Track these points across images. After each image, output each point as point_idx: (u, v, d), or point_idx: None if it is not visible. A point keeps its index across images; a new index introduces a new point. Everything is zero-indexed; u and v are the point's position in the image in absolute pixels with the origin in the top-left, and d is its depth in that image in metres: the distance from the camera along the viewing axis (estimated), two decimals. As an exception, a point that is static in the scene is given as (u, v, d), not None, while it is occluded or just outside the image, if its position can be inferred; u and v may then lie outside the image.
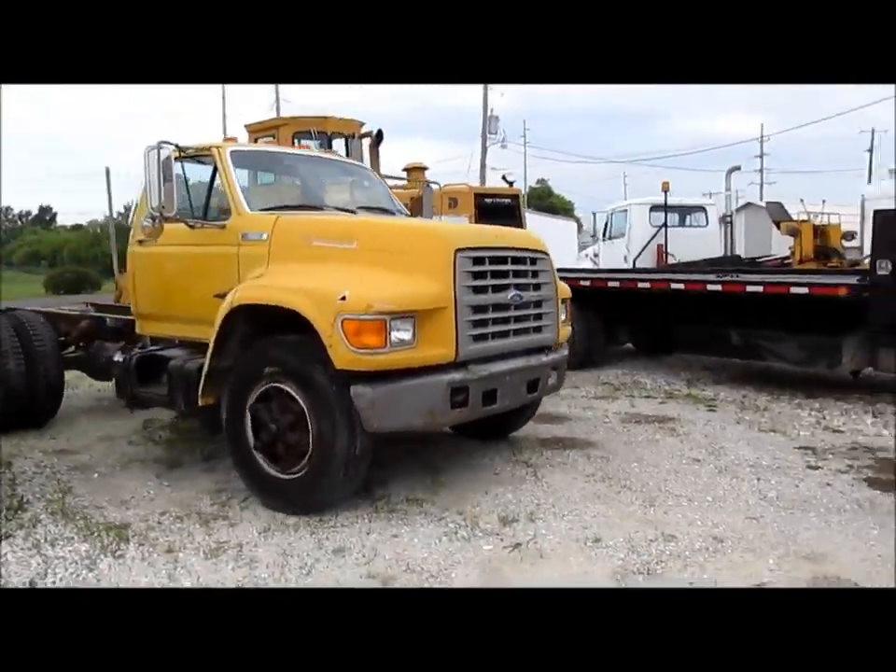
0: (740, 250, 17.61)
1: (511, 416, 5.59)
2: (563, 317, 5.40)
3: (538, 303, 5.01)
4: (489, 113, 34.15)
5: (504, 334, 4.70)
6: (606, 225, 15.37)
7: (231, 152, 5.27)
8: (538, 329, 5.03)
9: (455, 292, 4.28)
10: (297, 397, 4.33)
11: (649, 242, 13.68)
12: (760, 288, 7.51)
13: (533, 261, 4.98)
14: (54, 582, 3.55)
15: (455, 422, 4.57)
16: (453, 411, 4.32)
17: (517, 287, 4.75)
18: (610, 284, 9.12)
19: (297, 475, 4.38)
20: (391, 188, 9.08)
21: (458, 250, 4.38)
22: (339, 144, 9.98)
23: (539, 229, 7.39)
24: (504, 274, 4.68)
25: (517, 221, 8.43)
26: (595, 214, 16.22)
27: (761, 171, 49.87)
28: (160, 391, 5.26)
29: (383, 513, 4.42)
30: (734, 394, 7.90)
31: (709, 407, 7.33)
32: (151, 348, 5.64)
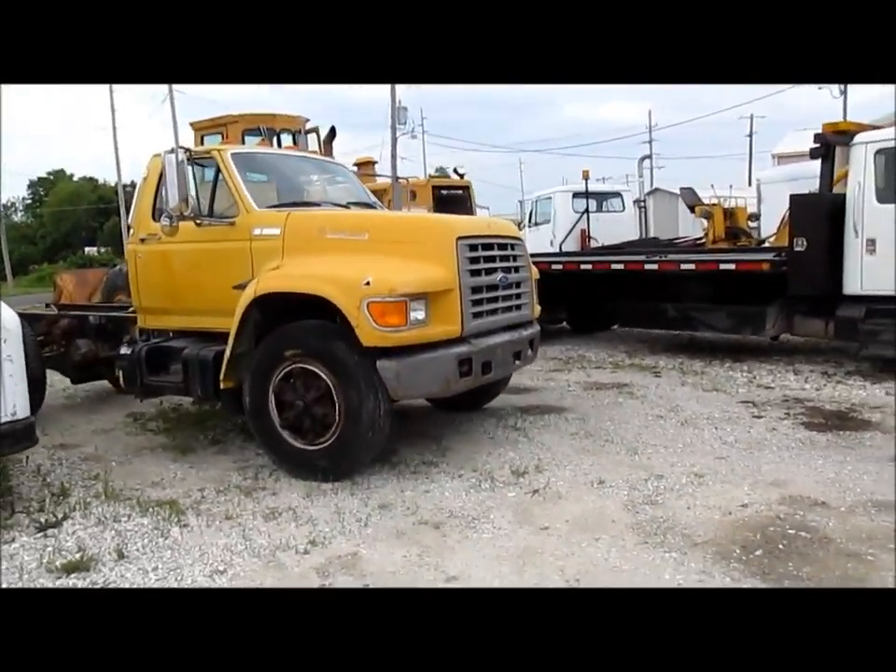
0: (651, 232, 18.88)
1: (489, 388, 6.17)
2: (535, 296, 6.05)
3: (518, 284, 5.62)
4: (397, 104, 34.69)
5: (494, 312, 5.30)
6: (531, 212, 16.17)
7: (232, 154, 5.63)
8: (518, 307, 5.66)
9: (458, 275, 4.84)
10: (322, 374, 4.77)
11: (573, 227, 14.55)
12: (692, 266, 8.44)
13: (513, 247, 5.62)
14: (138, 550, 3.91)
15: (463, 389, 5.08)
16: (461, 379, 4.86)
17: (503, 270, 5.35)
18: (554, 266, 9.87)
19: (323, 445, 4.84)
20: (396, 178, 9.49)
21: (459, 238, 4.92)
22: (286, 139, 10.27)
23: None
24: (492, 259, 5.27)
25: (469, 210, 9.03)
26: (521, 202, 17.01)
27: (650, 157, 52.50)
28: (173, 379, 5.61)
29: (407, 475, 4.96)
30: (672, 362, 8.81)
31: (655, 373, 8.19)
32: (156, 340, 5.90)
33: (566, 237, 14.50)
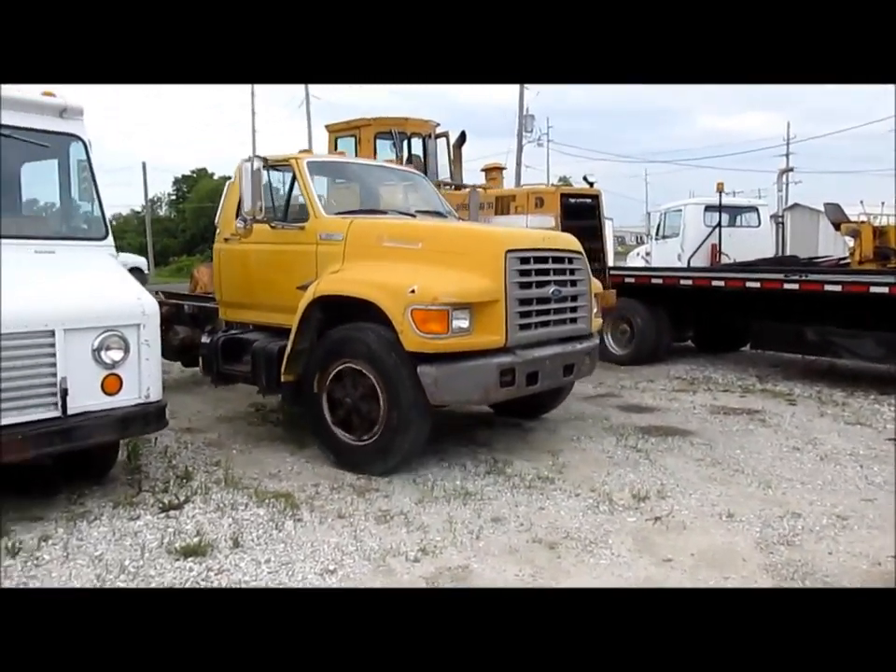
0: (788, 250, 17.81)
1: (546, 398, 6.28)
2: (595, 310, 5.99)
3: (573, 297, 5.60)
4: (524, 111, 34.59)
5: (545, 324, 5.33)
6: (658, 224, 15.63)
7: (308, 162, 5.93)
8: (573, 321, 5.64)
9: (505, 287, 4.91)
10: (369, 375, 4.98)
11: (703, 241, 13.94)
12: (838, 288, 7.80)
13: (570, 261, 5.59)
14: (252, 540, 3.96)
15: (504, 398, 5.24)
16: (502, 389, 4.93)
17: (557, 283, 5.37)
18: (683, 282, 9.44)
19: (369, 441, 5.05)
20: (473, 187, 9.44)
21: (508, 251, 4.99)
22: (416, 144, 10.33)
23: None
24: (546, 272, 5.31)
25: (597, 220, 8.75)
26: (648, 213, 16.44)
27: (790, 170, 49.76)
28: (243, 369, 5.94)
29: (522, 489, 4.79)
30: (808, 389, 8.19)
31: (789, 401, 7.63)
32: (233, 332, 6.27)
33: (694, 252, 13.92)
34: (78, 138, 5.21)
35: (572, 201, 8.48)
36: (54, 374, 4.17)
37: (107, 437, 4.42)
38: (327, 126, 10.64)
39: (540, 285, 5.22)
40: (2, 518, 4.18)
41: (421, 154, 10.33)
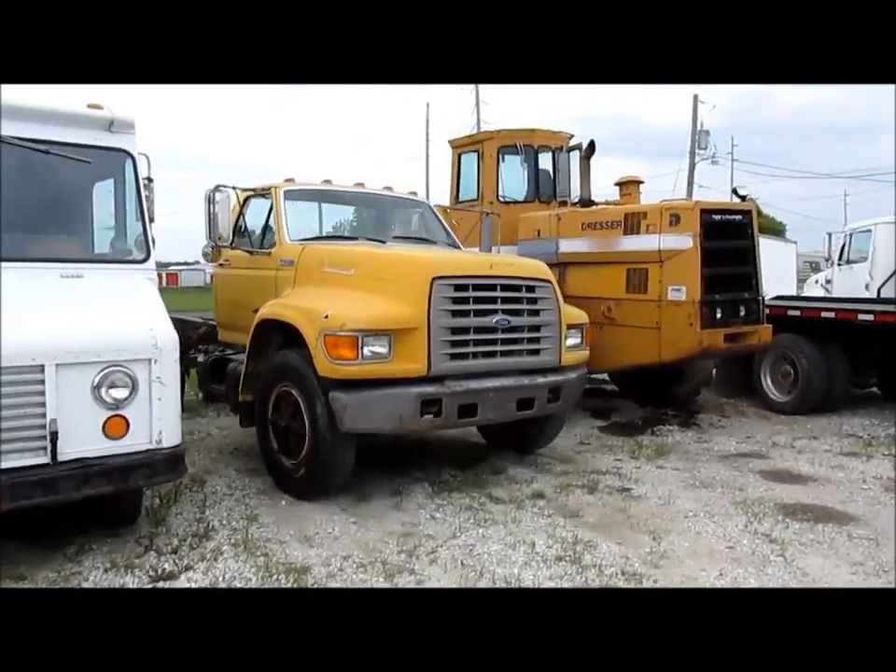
0: None
1: (530, 432, 6.03)
2: (575, 342, 5.64)
3: (534, 328, 5.27)
4: (699, 127, 32.32)
5: (490, 354, 5.05)
6: (843, 248, 13.49)
7: (286, 191, 6.14)
8: (534, 352, 5.29)
9: (428, 315, 4.72)
10: (298, 399, 4.96)
11: (899, 267, 11.76)
12: None
13: (530, 289, 5.28)
14: (225, 636, 3.18)
15: (427, 430, 5.41)
16: (423, 419, 4.76)
17: (507, 312, 5.07)
18: (861, 316, 7.72)
19: (299, 465, 5.03)
20: (485, 212, 7.87)
21: (436, 278, 4.81)
22: (544, 157, 9.36)
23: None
24: (493, 300, 5.05)
25: (749, 241, 7.31)
26: (829, 234, 14.27)
27: None
28: (222, 388, 6.11)
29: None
30: None
31: None
32: (228, 352, 6.50)
33: (887, 280, 11.75)
34: (127, 153, 4.81)
35: (716, 218, 7.08)
36: (43, 415, 3.66)
37: (102, 488, 3.80)
38: (449, 141, 9.95)
39: (483, 313, 4.98)
40: (-17, 574, 3.72)
41: (550, 169, 9.37)
